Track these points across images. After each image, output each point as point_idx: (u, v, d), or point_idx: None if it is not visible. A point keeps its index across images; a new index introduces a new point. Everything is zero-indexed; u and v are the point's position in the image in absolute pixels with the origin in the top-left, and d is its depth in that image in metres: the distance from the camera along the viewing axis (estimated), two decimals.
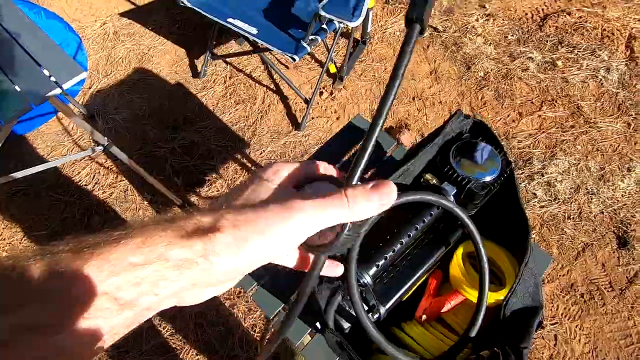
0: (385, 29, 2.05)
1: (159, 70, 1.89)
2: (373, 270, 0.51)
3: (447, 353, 0.54)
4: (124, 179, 1.60)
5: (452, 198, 0.56)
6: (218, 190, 1.59)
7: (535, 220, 1.50)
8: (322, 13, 1.19)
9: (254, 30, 1.37)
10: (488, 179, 0.56)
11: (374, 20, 2.08)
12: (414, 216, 0.55)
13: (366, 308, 0.54)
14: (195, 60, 1.92)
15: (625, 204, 1.51)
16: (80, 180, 1.61)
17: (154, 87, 1.84)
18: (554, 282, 1.38)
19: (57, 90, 0.87)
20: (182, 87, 1.84)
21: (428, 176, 0.58)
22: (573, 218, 1.49)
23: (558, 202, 1.53)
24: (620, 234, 1.46)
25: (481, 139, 0.60)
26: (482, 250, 0.52)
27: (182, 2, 1.43)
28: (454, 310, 0.61)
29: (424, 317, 0.60)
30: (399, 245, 0.52)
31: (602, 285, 1.37)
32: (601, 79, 1.84)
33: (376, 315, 0.54)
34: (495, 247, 0.62)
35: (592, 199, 1.53)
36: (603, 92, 1.81)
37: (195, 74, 1.86)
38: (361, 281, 0.49)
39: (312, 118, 1.74)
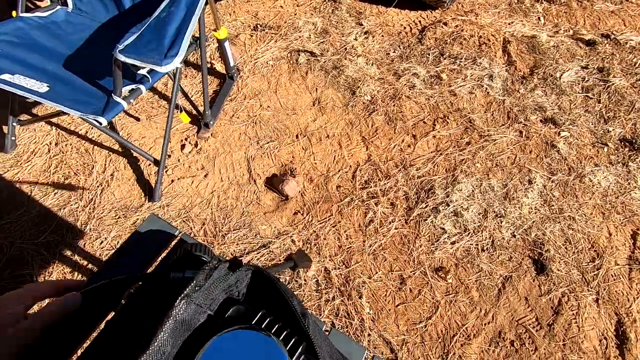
0: (257, 59, 1.78)
1: None
2: None
3: None
4: None
5: None
6: None
7: (449, 261, 1.30)
8: (121, 58, 0.85)
9: (43, 88, 0.98)
10: None
11: (243, 51, 1.80)
12: None
13: None
14: None
15: (534, 221, 1.39)
16: None
17: None
18: (481, 335, 1.18)
19: None
20: None
21: None
22: (487, 249, 1.32)
23: (468, 233, 1.35)
24: (536, 257, 1.32)
25: None
26: None
27: None
28: None
29: None
30: None
31: (529, 324, 1.20)
32: (486, 88, 1.76)
33: None
34: None
35: (501, 222, 1.38)
36: (490, 101, 1.72)
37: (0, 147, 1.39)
38: None
39: (172, 181, 1.38)
